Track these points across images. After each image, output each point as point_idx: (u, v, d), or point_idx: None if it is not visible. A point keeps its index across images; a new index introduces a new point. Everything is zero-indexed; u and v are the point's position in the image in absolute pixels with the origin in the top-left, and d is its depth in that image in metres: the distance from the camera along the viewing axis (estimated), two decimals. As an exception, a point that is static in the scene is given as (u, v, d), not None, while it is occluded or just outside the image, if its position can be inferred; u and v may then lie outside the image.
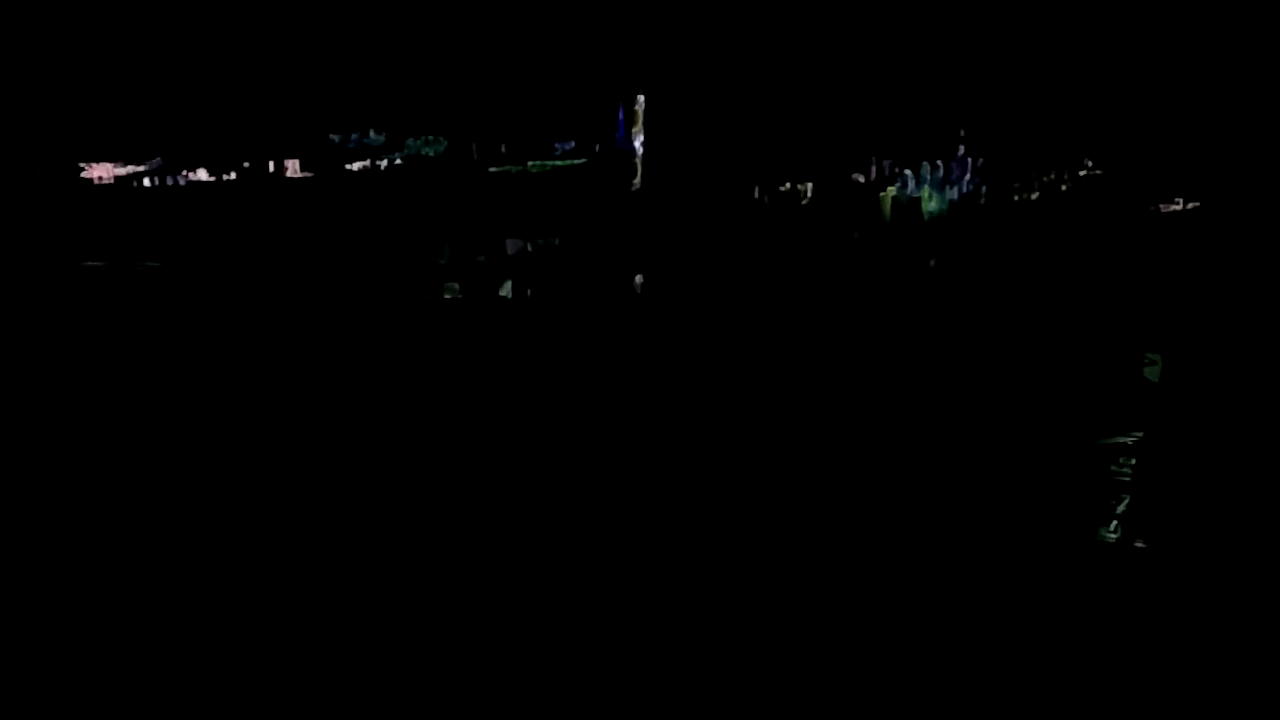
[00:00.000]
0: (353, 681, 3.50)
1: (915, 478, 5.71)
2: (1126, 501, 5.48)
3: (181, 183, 8.47)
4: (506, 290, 7.72)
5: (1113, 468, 5.72)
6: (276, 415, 6.24)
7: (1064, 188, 8.18)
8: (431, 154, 8.77)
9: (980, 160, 8.41)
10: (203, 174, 8.49)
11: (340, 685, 3.48)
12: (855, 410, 6.48)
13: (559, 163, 8.75)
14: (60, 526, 4.73)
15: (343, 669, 3.59)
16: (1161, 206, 7.79)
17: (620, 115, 8.63)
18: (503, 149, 8.84)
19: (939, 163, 8.45)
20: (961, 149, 8.40)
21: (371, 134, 8.67)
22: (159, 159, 8.50)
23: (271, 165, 8.55)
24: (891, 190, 8.50)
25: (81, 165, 8.30)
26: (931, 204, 8.38)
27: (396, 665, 3.63)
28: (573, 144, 8.71)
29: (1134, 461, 5.76)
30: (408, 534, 4.92)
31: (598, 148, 8.67)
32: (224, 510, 4.98)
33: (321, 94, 8.60)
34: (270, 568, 4.39)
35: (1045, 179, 8.23)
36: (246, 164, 8.51)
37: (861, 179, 8.56)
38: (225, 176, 8.53)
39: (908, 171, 8.50)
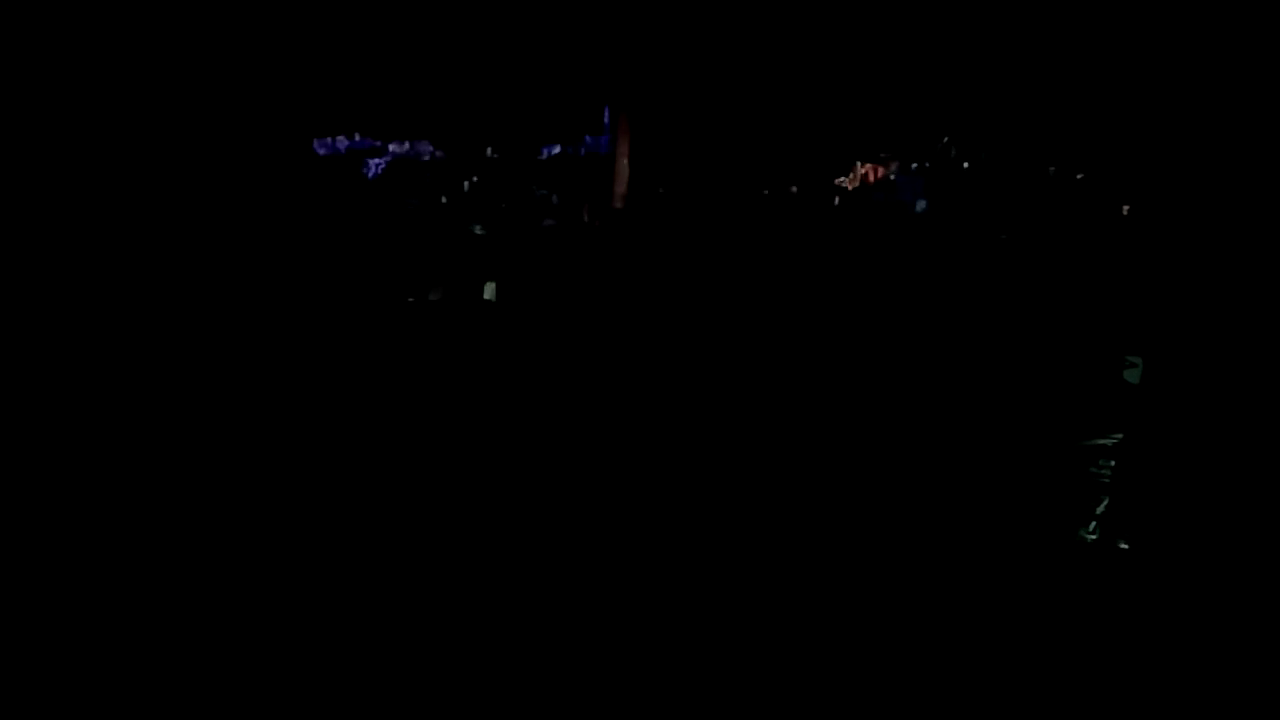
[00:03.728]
0: (350, 681, 3.49)
1: (896, 479, 5.70)
2: (1106, 502, 5.48)
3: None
4: (490, 293, 7.72)
5: (1092, 469, 5.73)
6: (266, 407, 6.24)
7: (1049, 189, 8.20)
8: (418, 158, 8.79)
9: (966, 163, 8.43)
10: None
11: (338, 684, 3.47)
12: (839, 414, 6.49)
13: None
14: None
15: (338, 669, 3.58)
16: (1143, 208, 7.80)
17: (606, 119, 8.64)
18: (489, 153, 8.85)
19: (926, 165, 8.47)
20: (951, 152, 8.42)
21: (357, 137, 8.68)
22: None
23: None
24: (879, 195, 8.52)
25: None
26: (917, 206, 8.39)
27: (387, 664, 3.62)
28: (558, 148, 8.73)
29: (1114, 463, 5.76)
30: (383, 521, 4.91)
31: (583, 152, 8.69)
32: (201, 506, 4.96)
33: (306, 98, 8.60)
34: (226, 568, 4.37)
35: (1031, 180, 8.25)
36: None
37: (845, 182, 8.57)
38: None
39: (893, 176, 8.51)
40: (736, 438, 6.07)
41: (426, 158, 8.77)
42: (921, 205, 8.39)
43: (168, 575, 4.34)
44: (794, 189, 8.49)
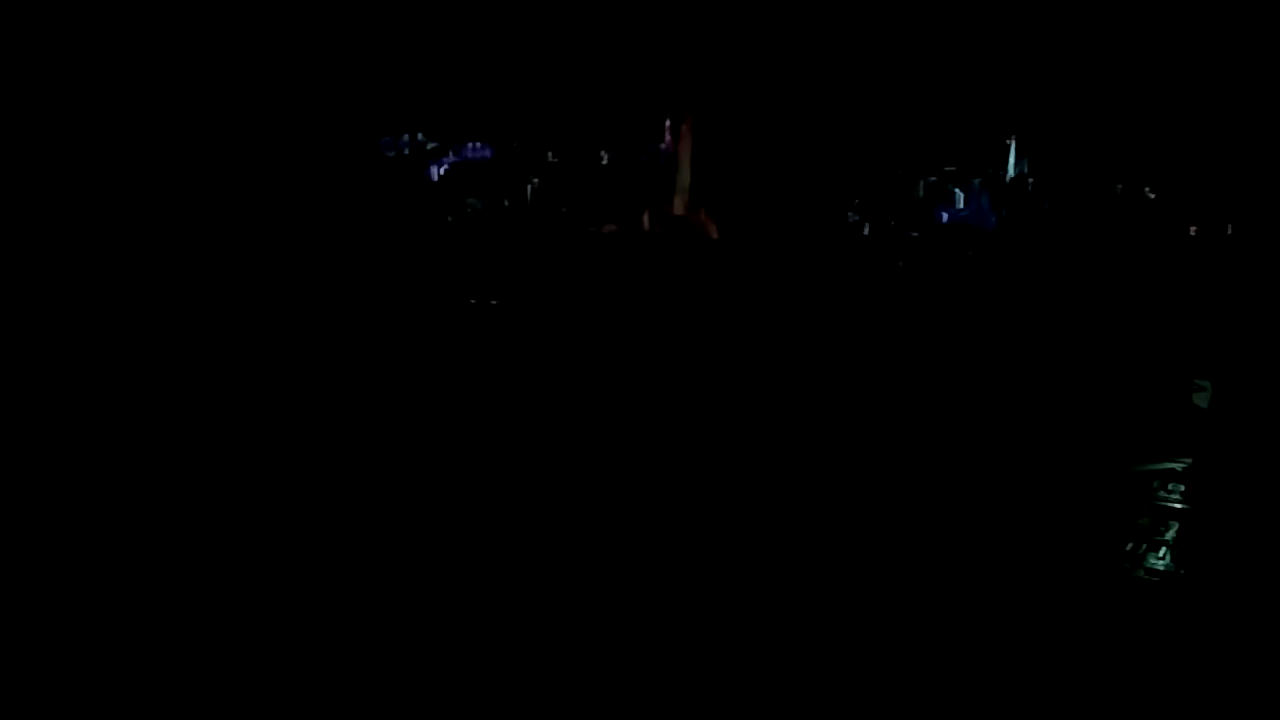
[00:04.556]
0: (352, 682, 3.48)
1: (956, 499, 5.60)
2: (1175, 529, 5.35)
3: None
4: (541, 297, 7.73)
5: (1161, 494, 5.60)
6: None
7: (1115, 208, 8.07)
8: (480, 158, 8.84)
9: (1032, 179, 8.32)
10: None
11: (340, 686, 3.46)
12: (897, 428, 6.40)
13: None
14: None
15: (342, 669, 3.57)
16: (1212, 229, 7.66)
17: (667, 125, 8.64)
18: (550, 156, 8.88)
19: (991, 179, 8.37)
20: (1013, 166, 8.32)
21: (420, 136, 8.75)
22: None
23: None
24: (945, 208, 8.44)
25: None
26: (981, 220, 8.29)
27: (395, 665, 3.61)
28: (618, 152, 8.74)
29: (1183, 488, 5.63)
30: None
31: (642, 157, 8.69)
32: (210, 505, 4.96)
33: (374, 99, 8.68)
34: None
35: (1095, 199, 8.12)
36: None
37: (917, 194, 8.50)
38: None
39: (958, 189, 8.43)
40: (795, 447, 6.01)
41: (489, 159, 8.82)
42: (990, 221, 8.29)
43: (171, 572, 4.36)
44: (852, 217, 8.42)
